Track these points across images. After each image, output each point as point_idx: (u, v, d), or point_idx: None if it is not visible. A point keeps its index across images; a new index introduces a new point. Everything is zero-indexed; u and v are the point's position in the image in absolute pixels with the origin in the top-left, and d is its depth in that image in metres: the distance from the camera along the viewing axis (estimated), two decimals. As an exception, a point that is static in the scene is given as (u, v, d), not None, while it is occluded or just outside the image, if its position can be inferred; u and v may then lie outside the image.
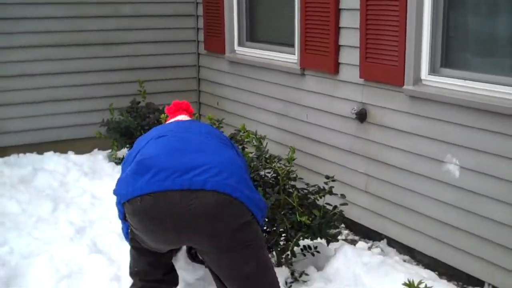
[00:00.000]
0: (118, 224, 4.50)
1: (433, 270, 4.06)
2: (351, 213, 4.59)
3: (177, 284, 3.20)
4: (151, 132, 3.20)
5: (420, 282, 2.50)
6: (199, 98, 7.01)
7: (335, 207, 3.85)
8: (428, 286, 2.50)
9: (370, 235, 4.65)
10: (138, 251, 3.07)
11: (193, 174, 2.72)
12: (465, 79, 3.76)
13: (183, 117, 3.49)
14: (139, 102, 6.04)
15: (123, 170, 3.05)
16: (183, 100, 3.59)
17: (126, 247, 4.18)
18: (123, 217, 2.99)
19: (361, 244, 4.48)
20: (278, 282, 3.02)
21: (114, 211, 4.73)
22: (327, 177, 3.90)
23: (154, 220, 2.75)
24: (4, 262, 3.81)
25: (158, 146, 2.94)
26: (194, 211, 2.70)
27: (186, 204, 2.69)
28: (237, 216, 2.79)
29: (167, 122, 3.53)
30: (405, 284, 2.49)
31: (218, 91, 6.56)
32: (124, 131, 5.73)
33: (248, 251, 2.86)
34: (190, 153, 2.87)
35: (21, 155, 6.07)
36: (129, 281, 3.60)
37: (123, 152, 6.08)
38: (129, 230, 3.05)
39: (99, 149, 6.35)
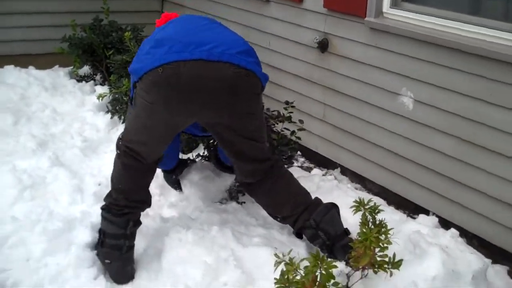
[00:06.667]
0: (79, 139, 4.62)
1: (382, 198, 4.28)
2: (308, 141, 4.76)
3: (150, 204, 3.30)
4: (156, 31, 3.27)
5: (370, 200, 2.69)
6: (161, 20, 6.96)
7: (293, 132, 4.00)
8: (377, 205, 2.69)
9: (325, 163, 4.83)
10: (126, 167, 3.13)
11: (210, 47, 2.86)
12: (424, 14, 3.88)
13: None
14: (102, 20, 5.99)
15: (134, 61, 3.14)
16: (172, 12, 3.61)
17: (88, 162, 4.31)
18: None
19: (316, 171, 4.66)
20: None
21: (76, 127, 4.85)
22: (287, 102, 4.03)
23: (174, 89, 2.85)
24: (-33, 172, 3.86)
25: (172, 27, 3.08)
26: (213, 81, 2.86)
27: (206, 74, 2.83)
28: (252, 87, 3.01)
29: None
30: (355, 201, 2.68)
31: (179, 13, 6.51)
32: (86, 47, 5.70)
33: (257, 118, 3.15)
34: (203, 31, 3.02)
35: (-20, 68, 6.02)
36: (92, 193, 3.74)
37: (85, 69, 6.07)
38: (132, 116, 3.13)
39: (60, 66, 6.31)
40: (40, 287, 3.03)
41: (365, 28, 4.23)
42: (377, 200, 4.13)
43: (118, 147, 3.18)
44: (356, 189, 4.41)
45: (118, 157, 3.18)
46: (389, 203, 4.21)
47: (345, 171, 4.67)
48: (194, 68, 2.84)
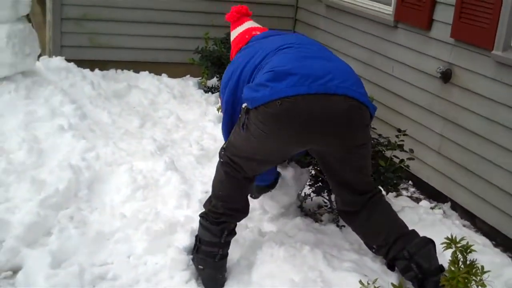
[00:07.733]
0: (196, 148, 4.82)
1: (491, 239, 4.09)
2: (420, 172, 4.66)
3: (247, 213, 3.36)
4: (263, 45, 3.32)
5: (462, 239, 2.59)
6: (293, 38, 7.09)
7: (402, 160, 3.94)
8: (470, 244, 2.59)
9: (436, 196, 4.70)
10: (228, 175, 3.22)
11: (326, 80, 2.96)
12: (556, 51, 3.70)
13: (250, 23, 3.67)
14: (234, 35, 6.19)
15: (230, 78, 3.30)
16: (242, 5, 3.72)
17: (201, 169, 4.48)
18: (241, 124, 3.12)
19: (424, 203, 4.55)
20: None
21: (195, 135, 5.06)
22: (399, 130, 3.98)
23: (293, 122, 2.95)
24: (89, 166, 4.14)
25: (288, 55, 3.15)
26: (330, 114, 2.96)
27: (323, 107, 2.93)
28: (364, 119, 3.09)
29: (240, 30, 3.66)
30: (446, 238, 2.60)
31: (311, 34, 6.62)
32: (215, 60, 5.94)
33: (366, 149, 3.21)
34: (318, 60, 3.11)
35: (118, 71, 6.48)
36: (198, 200, 3.88)
37: (213, 81, 6.32)
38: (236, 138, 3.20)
39: (190, 76, 6.64)
40: (136, 284, 3.19)
41: (491, 61, 4.10)
42: (484, 241, 3.97)
43: (221, 156, 3.29)
44: (464, 226, 4.24)
45: (221, 165, 3.28)
46: (496, 245, 4.02)
47: (455, 207, 4.51)
48: (311, 101, 2.92)
